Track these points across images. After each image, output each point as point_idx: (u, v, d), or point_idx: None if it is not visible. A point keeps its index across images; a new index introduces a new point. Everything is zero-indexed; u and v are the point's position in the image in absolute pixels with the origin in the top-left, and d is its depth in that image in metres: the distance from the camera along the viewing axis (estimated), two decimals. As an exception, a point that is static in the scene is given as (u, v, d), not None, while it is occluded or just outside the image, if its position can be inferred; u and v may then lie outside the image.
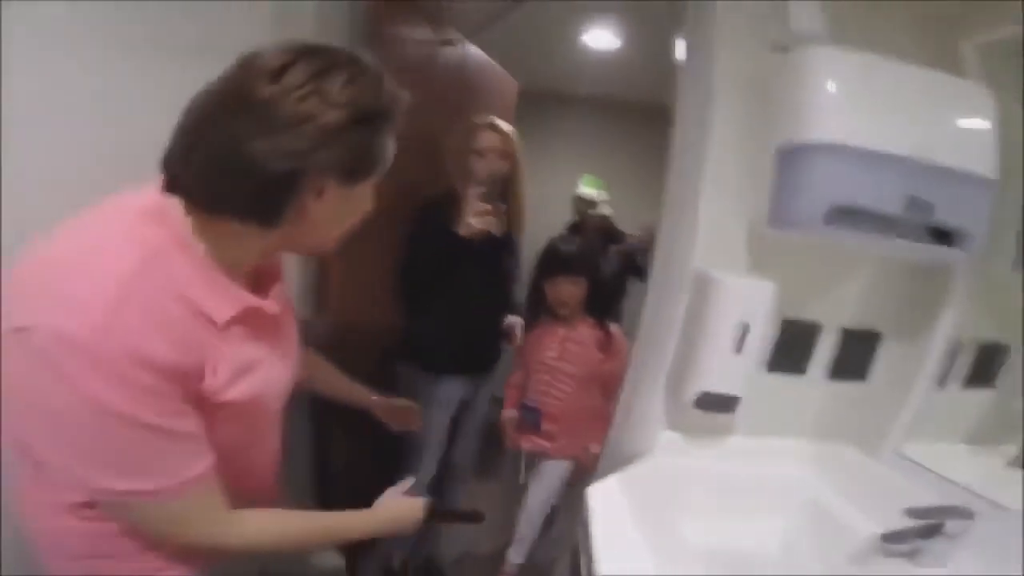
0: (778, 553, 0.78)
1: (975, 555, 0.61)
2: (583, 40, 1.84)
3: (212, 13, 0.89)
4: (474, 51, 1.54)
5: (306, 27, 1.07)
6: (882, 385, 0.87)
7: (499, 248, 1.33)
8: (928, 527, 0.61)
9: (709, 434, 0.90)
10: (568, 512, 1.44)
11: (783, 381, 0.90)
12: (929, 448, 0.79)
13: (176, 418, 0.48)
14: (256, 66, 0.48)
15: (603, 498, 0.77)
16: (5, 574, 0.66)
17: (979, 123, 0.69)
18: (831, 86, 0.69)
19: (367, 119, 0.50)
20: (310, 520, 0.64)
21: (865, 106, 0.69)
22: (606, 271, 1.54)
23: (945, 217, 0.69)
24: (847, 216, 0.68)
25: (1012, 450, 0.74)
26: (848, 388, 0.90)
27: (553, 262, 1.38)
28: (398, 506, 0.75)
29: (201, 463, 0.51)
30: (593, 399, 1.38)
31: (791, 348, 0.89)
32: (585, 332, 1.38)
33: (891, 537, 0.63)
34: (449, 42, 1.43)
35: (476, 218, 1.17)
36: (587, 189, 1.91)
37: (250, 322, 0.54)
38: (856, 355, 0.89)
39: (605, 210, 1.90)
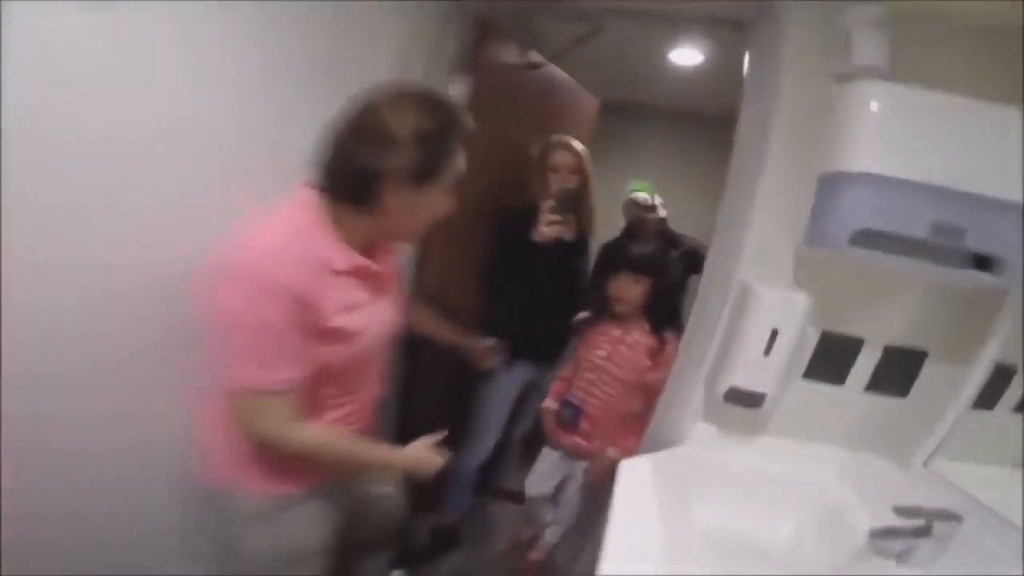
0: (785, 549, 0.84)
1: (967, 562, 0.65)
2: (664, 56, 1.92)
3: (345, 49, 1.04)
4: (558, 73, 1.70)
5: (419, 57, 1.29)
6: (923, 402, 0.90)
7: (569, 252, 1.49)
8: (916, 527, 0.66)
9: (742, 431, 0.99)
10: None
11: (821, 389, 0.96)
12: (967, 468, 0.81)
13: (292, 332, 0.70)
14: (363, 100, 0.73)
15: (632, 474, 0.87)
16: (5, 574, 0.71)
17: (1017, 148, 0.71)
18: (869, 120, 0.76)
19: (431, 138, 0.71)
20: (349, 443, 0.83)
21: (903, 137, 0.75)
22: (670, 276, 1.49)
23: (978, 243, 0.72)
24: (875, 239, 0.75)
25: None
26: (888, 402, 0.94)
27: (620, 258, 1.39)
28: (420, 455, 0.90)
29: (297, 371, 0.72)
30: (633, 405, 1.36)
31: (831, 359, 0.95)
32: (638, 337, 1.37)
33: (879, 534, 0.68)
34: (536, 65, 1.61)
35: (548, 227, 1.35)
36: (640, 193, 1.90)
37: (359, 276, 0.77)
38: (899, 371, 0.93)
39: (660, 213, 1.89)
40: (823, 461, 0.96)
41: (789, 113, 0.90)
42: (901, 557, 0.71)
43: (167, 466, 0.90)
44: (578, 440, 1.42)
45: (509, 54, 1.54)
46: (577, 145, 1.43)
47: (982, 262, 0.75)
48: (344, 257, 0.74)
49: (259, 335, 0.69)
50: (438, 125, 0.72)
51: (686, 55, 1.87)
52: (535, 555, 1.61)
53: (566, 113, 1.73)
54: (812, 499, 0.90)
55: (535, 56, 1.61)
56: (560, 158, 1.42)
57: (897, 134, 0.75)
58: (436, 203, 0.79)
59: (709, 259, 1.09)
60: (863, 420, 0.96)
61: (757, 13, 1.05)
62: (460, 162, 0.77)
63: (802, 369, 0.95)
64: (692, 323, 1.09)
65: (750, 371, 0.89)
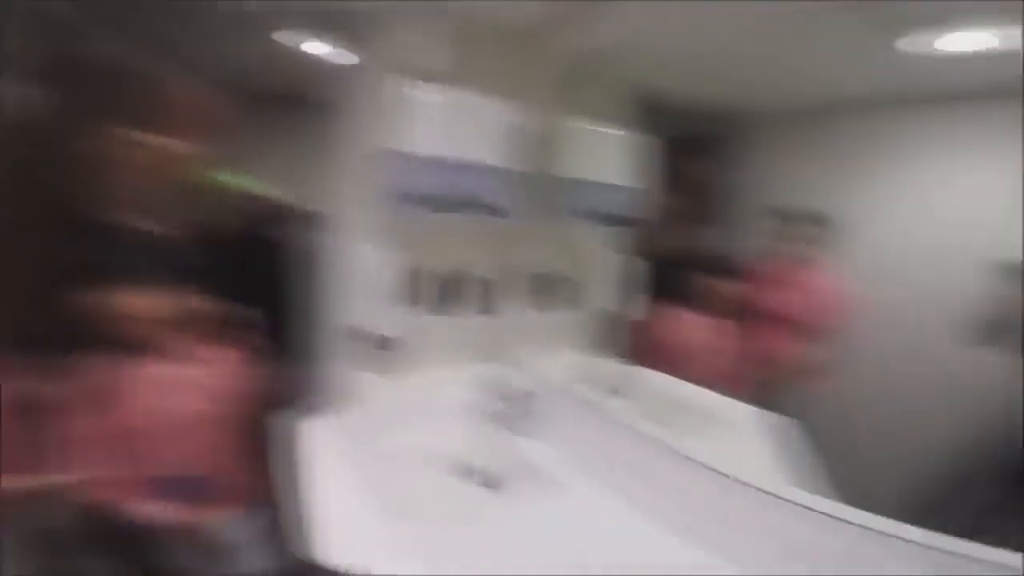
0: (465, 456, 1.04)
1: (551, 425, 1.02)
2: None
3: None
4: (166, 73, 1.57)
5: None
6: (497, 317, 1.28)
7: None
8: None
9: (396, 370, 1.18)
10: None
11: (446, 322, 1.23)
12: (552, 357, 1.15)
13: None
14: None
15: (311, 435, 0.97)
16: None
17: (507, 129, 1.08)
18: (412, 111, 1.03)
19: None
20: None
21: (435, 124, 1.04)
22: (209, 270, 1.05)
23: (487, 198, 1.07)
24: (422, 199, 1.02)
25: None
26: (485, 321, 1.28)
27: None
28: None
29: None
30: (253, 420, 1.06)
31: (447, 295, 1.24)
32: (200, 369, 0.99)
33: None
34: (136, 67, 1.46)
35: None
36: (231, 181, 1.77)
37: None
38: (480, 295, 1.27)
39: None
40: (466, 378, 1.21)
41: (377, 104, 1.11)
42: (517, 430, 1.04)
43: None
44: (219, 508, 1.01)
45: (103, 55, 1.35)
46: (156, 141, 1.34)
47: (491, 210, 1.10)
48: None
49: None
50: None
51: (316, 47, 1.98)
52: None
53: (176, 112, 1.61)
54: (468, 410, 1.15)
55: (136, 58, 1.45)
56: (141, 157, 1.31)
57: (431, 121, 1.04)
58: None
59: (325, 230, 1.26)
60: (479, 338, 1.27)
61: (367, 19, 1.19)
62: None
63: (431, 307, 1.21)
64: (326, 289, 1.25)
65: (372, 316, 1.11)
